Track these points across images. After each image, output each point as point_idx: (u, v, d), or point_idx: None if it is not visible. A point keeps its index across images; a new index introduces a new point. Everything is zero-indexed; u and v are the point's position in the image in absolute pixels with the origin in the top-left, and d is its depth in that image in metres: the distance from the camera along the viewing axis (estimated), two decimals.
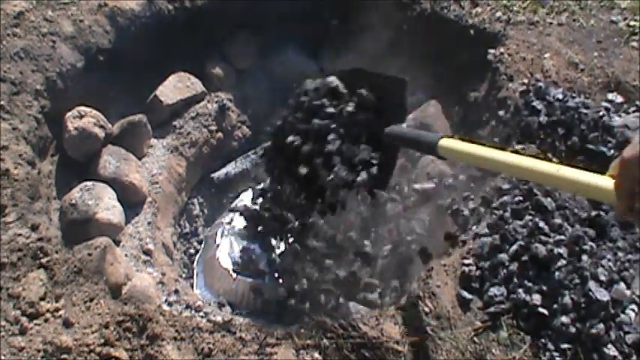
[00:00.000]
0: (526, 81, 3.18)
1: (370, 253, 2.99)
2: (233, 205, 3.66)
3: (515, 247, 2.46)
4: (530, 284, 2.36)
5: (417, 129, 3.58)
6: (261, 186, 3.32)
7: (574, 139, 2.85)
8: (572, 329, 2.23)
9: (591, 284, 2.30)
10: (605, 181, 1.43)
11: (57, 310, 2.19)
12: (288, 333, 2.23)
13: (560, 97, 3.00)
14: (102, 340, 2.11)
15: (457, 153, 2.04)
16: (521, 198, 2.66)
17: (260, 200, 3.22)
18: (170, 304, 2.84)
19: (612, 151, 2.77)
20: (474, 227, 2.76)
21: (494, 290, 2.38)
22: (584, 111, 2.91)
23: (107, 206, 2.94)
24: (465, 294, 2.40)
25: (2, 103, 2.73)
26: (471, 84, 3.55)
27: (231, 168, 3.92)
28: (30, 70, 2.93)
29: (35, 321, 2.13)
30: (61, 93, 3.06)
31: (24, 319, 2.11)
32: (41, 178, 2.85)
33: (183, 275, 3.32)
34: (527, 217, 2.57)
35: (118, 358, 2.07)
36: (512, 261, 2.44)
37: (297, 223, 2.96)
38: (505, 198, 2.72)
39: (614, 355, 2.19)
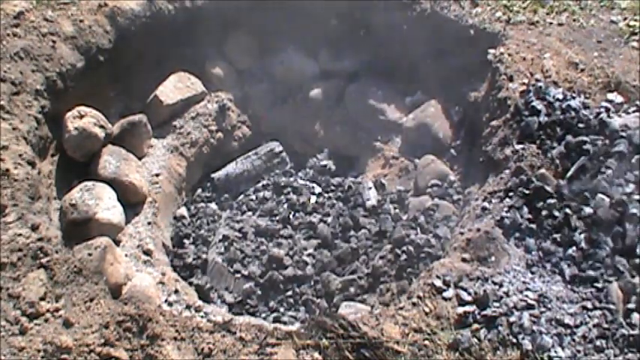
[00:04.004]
0: (526, 81, 3.18)
1: None
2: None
3: None
4: None
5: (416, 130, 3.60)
6: None
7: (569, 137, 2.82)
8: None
9: None
10: None
11: (57, 310, 2.19)
12: (288, 333, 2.22)
13: (560, 97, 3.00)
14: (102, 340, 2.11)
15: None
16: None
17: None
18: (170, 304, 2.84)
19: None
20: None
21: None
22: (584, 111, 2.91)
23: (107, 206, 2.94)
24: (465, 294, 2.40)
25: (2, 103, 2.73)
26: (471, 84, 3.55)
27: (231, 168, 3.92)
28: (30, 70, 2.93)
29: (35, 321, 2.13)
30: (61, 93, 3.07)
31: (24, 319, 2.11)
32: (41, 178, 2.85)
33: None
34: None
35: (118, 358, 2.07)
36: None
37: None
38: (507, 200, 2.72)
39: None
